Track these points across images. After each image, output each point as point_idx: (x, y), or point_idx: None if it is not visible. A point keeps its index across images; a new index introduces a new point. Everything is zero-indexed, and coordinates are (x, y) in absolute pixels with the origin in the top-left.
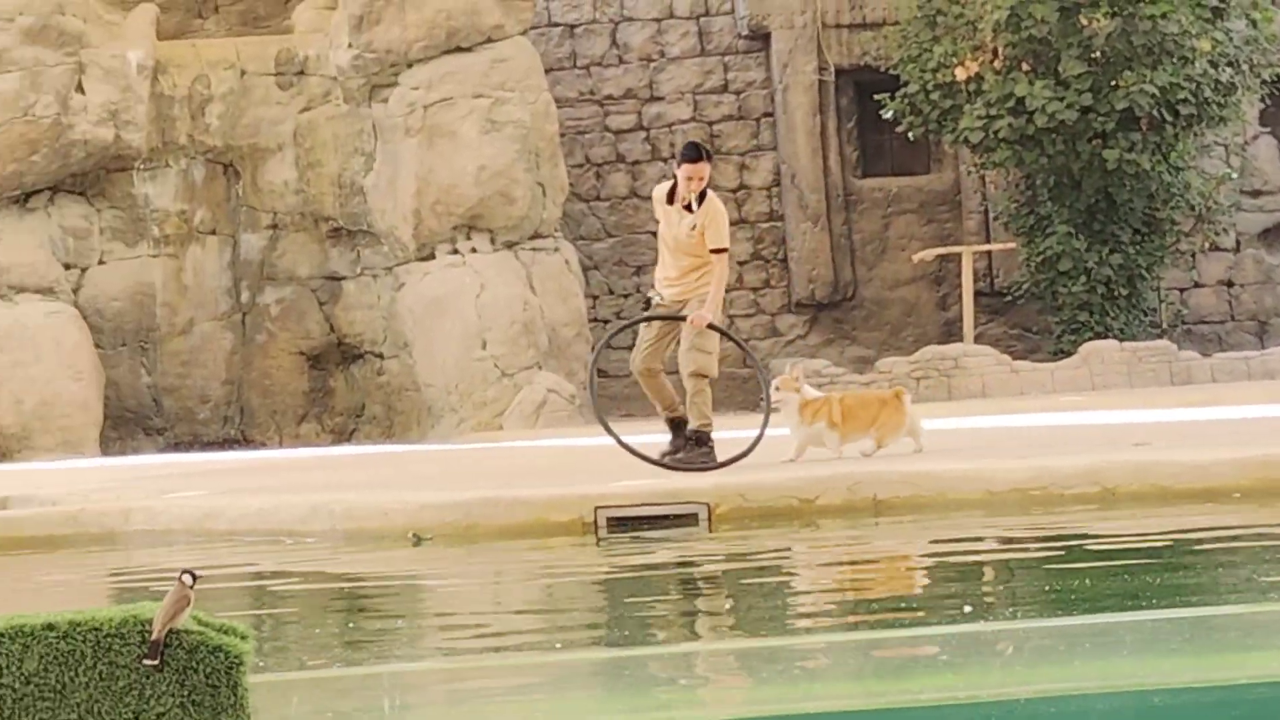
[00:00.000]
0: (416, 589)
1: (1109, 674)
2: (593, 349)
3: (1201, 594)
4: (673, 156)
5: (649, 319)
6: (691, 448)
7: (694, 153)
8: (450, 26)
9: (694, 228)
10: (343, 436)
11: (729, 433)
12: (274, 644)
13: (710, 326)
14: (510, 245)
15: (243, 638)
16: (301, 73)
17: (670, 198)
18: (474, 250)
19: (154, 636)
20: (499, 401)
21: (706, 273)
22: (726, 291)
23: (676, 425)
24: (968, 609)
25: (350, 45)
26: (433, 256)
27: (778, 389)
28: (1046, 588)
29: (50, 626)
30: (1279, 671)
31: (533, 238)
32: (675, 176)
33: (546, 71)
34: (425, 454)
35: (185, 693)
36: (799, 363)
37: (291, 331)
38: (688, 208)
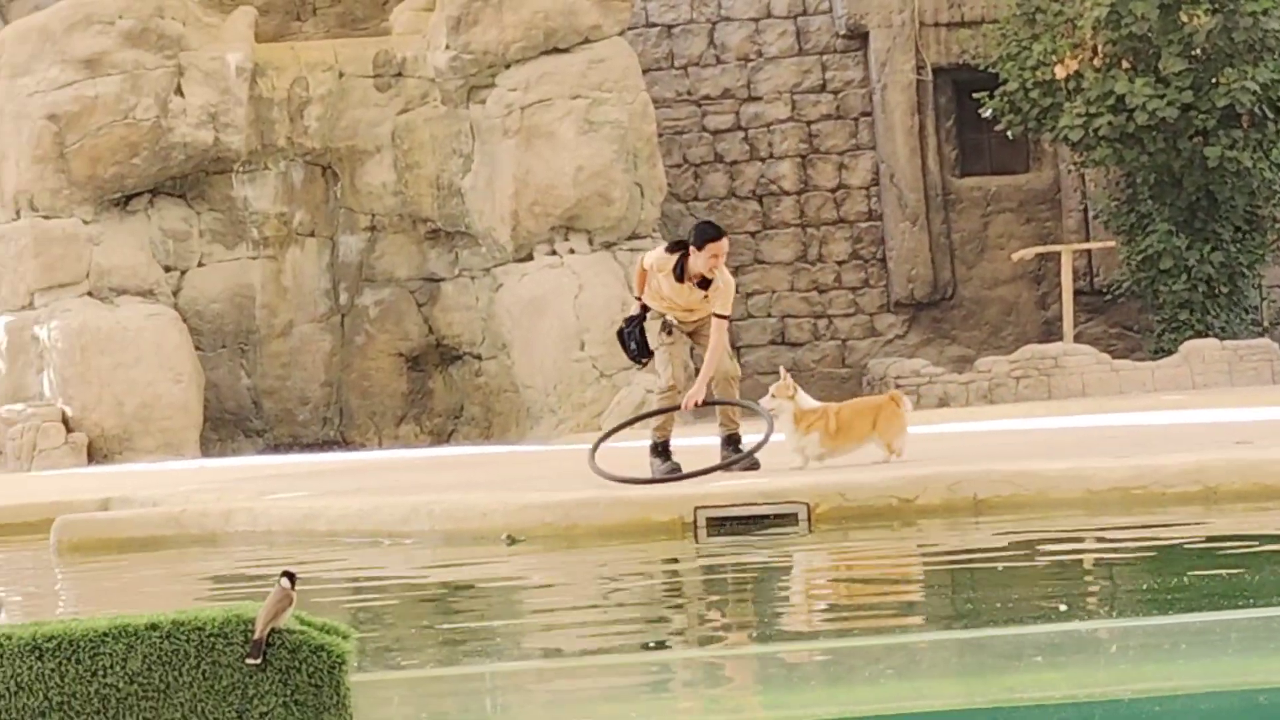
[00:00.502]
0: (516, 589)
1: (1213, 673)
2: (598, 440)
3: None
4: (771, 156)
5: (654, 414)
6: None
7: (716, 232)
8: (548, 27)
9: (705, 298)
10: (441, 438)
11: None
12: (375, 644)
13: (705, 403)
14: (608, 245)
15: (345, 637)
16: (399, 74)
17: (680, 274)
18: (572, 251)
19: (256, 636)
20: (598, 402)
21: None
22: (823, 291)
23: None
24: (1063, 608)
25: (448, 47)
26: (531, 257)
27: (773, 396)
28: (1146, 586)
29: (154, 626)
30: None
31: (631, 238)
32: (681, 255)
33: (644, 72)
34: (524, 455)
35: (288, 692)
36: (790, 372)
37: (390, 333)
38: (701, 283)
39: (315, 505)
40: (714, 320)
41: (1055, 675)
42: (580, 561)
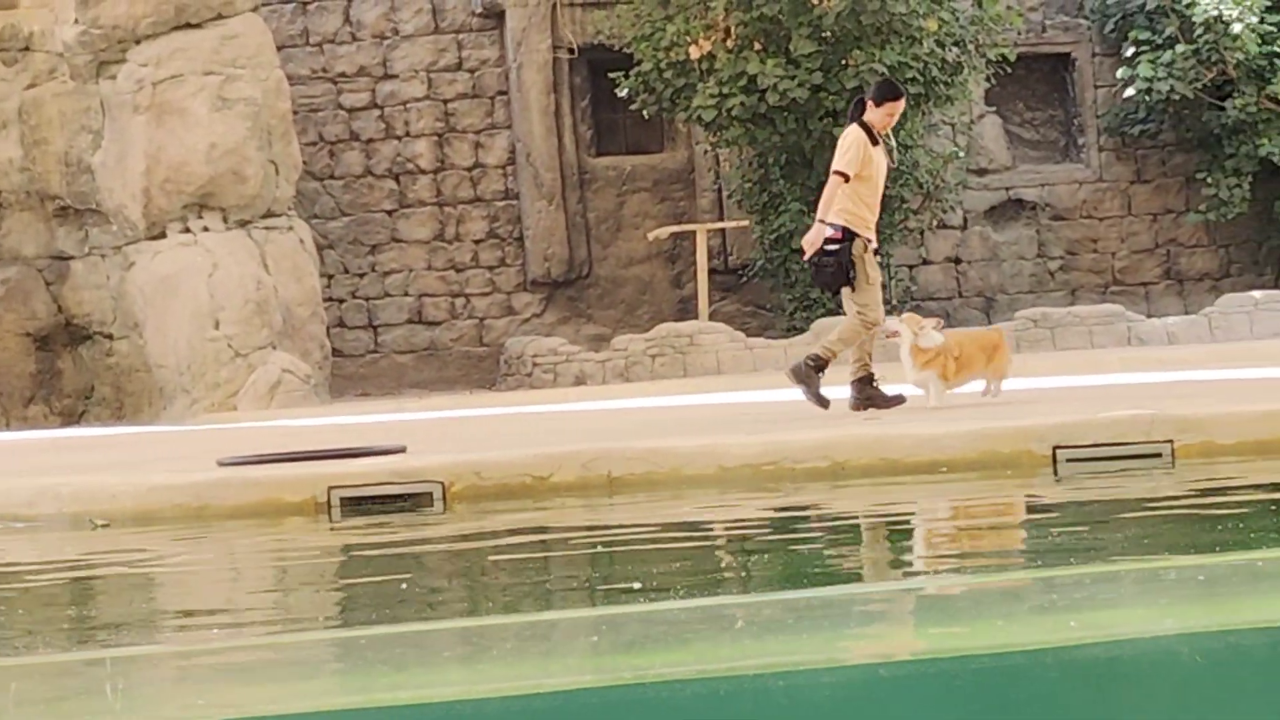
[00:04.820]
0: (147, 573)
1: (834, 647)
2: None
3: (928, 567)
4: (407, 134)
5: None
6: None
7: (897, 92)
8: (179, 3)
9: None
10: (72, 418)
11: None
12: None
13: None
14: (243, 224)
15: None
16: (26, 49)
17: (873, 139)
18: (206, 229)
19: None
20: (233, 382)
21: None
22: (460, 270)
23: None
24: (636, 585)
25: (77, 21)
26: (164, 235)
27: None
28: (775, 561)
29: None
30: (1002, 643)
31: (266, 216)
32: (862, 115)
33: (279, 48)
34: (157, 435)
35: None
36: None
37: (17, 312)
38: (874, 141)
39: None
40: (833, 177)
41: (684, 652)
42: (212, 543)
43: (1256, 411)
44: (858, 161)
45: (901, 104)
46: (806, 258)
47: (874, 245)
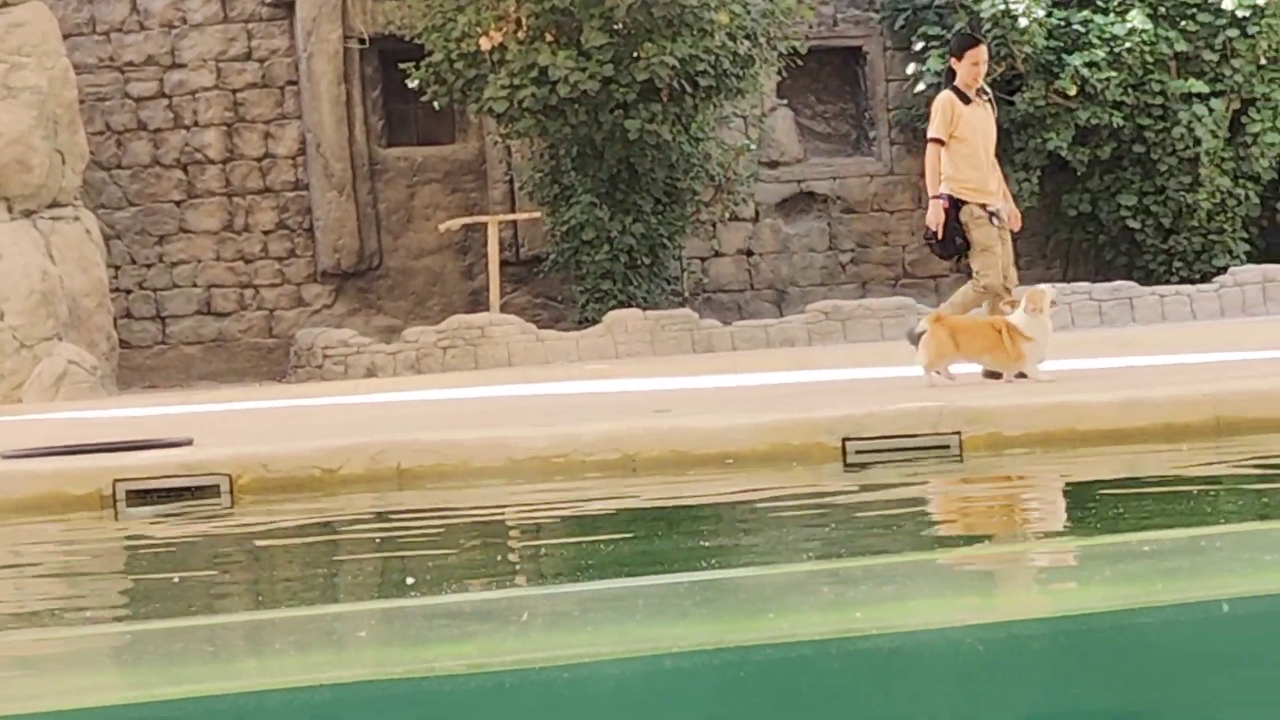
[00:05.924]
0: None
1: (623, 638)
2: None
3: (716, 557)
4: (196, 124)
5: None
6: None
7: (974, 40)
8: None
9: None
10: None
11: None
12: None
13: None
14: (28, 214)
15: None
16: None
17: (965, 98)
18: None
19: None
20: (18, 373)
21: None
22: (249, 261)
23: None
24: (410, 580)
25: None
26: None
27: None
28: (566, 555)
29: None
30: (788, 633)
31: (51, 206)
32: (951, 76)
33: (65, 37)
34: None
35: None
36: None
37: None
38: (966, 100)
39: None
40: (928, 146)
41: (468, 645)
42: None
43: (1043, 404)
44: (947, 124)
45: (982, 49)
46: (940, 237)
47: (992, 208)
